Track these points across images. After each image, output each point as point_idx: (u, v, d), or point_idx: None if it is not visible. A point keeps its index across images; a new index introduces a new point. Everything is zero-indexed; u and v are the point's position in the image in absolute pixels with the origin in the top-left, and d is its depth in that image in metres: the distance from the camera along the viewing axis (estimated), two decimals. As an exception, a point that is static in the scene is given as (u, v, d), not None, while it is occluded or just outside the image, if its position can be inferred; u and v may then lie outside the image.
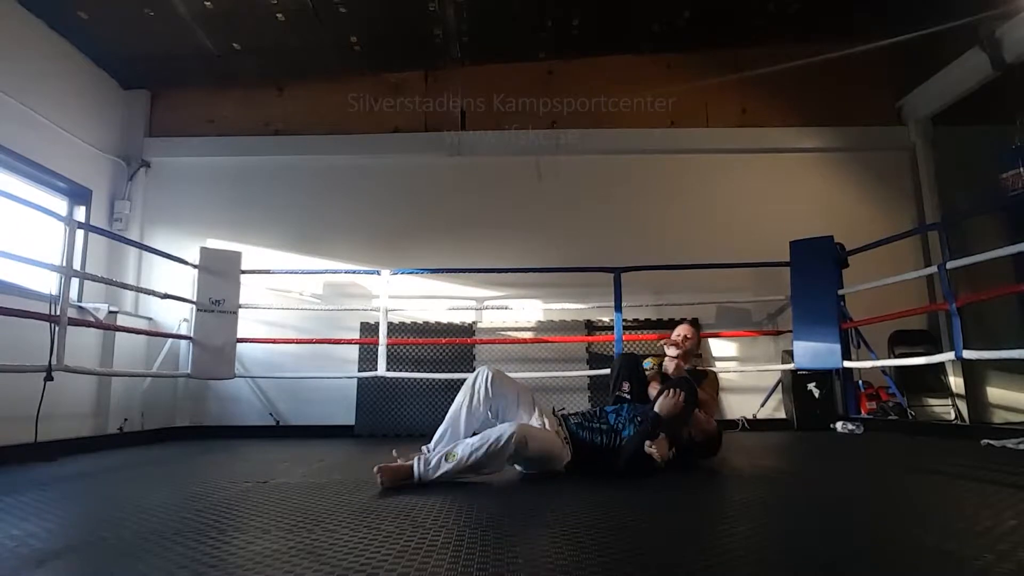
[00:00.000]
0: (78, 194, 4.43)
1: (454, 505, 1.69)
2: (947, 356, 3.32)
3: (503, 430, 2.04)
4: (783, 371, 4.39)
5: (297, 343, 4.50)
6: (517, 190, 4.98)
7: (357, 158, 5.02)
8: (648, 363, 2.97)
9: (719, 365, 4.68)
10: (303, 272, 4.66)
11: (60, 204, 4.34)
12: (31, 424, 2.88)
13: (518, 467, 2.30)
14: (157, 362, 4.24)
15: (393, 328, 4.45)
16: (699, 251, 4.58)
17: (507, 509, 1.72)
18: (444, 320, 4.69)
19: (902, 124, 5.06)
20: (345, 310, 4.63)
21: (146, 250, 4.36)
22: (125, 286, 4.26)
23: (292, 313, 4.68)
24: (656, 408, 2.27)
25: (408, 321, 4.67)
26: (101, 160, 4.65)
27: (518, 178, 4.98)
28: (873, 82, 5.07)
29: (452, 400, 2.33)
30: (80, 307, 4.02)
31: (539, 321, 4.70)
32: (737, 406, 4.55)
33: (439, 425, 2.29)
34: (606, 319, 4.58)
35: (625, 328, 4.30)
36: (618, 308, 4.20)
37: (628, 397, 2.55)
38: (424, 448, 2.21)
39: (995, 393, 4.52)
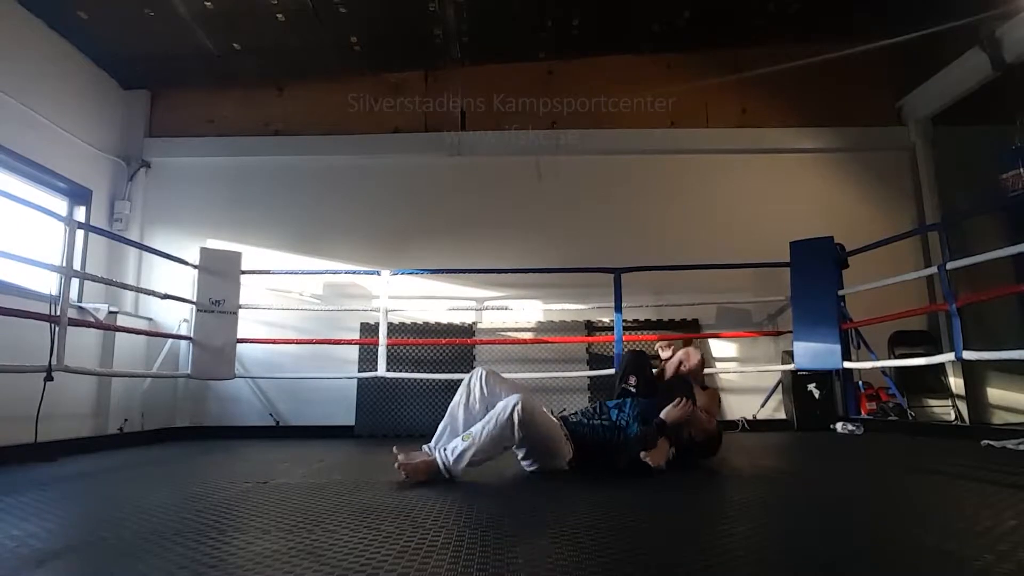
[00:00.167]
0: (78, 194, 4.43)
1: (454, 505, 1.69)
2: (947, 357, 3.32)
3: (508, 400, 2.11)
4: (783, 372, 4.39)
5: (297, 343, 4.50)
6: (517, 190, 4.98)
7: (357, 158, 5.02)
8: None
9: (719, 365, 4.68)
10: (303, 272, 4.66)
11: (60, 204, 4.33)
12: (31, 424, 2.88)
13: (524, 462, 2.31)
14: (157, 362, 4.24)
15: (393, 328, 4.45)
16: (699, 251, 4.58)
17: (507, 509, 1.72)
18: (444, 320, 4.69)
19: (902, 124, 5.06)
20: (345, 310, 4.63)
21: (146, 250, 4.36)
22: (125, 286, 4.26)
23: (292, 313, 4.68)
24: (663, 415, 2.27)
25: (408, 321, 4.67)
26: (101, 160, 4.65)
27: (518, 178, 4.98)
28: (873, 82, 5.07)
29: (452, 400, 2.37)
30: (80, 307, 4.02)
31: (539, 321, 4.70)
32: (737, 406, 4.55)
33: (439, 425, 2.33)
34: (606, 320, 4.58)
35: (625, 329, 4.30)
36: (618, 308, 4.20)
37: (634, 391, 2.54)
38: (424, 448, 2.22)
39: (995, 394, 4.51)
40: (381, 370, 4.16)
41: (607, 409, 2.41)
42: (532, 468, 2.31)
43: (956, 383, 4.46)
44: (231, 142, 5.00)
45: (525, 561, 1.14)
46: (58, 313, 2.88)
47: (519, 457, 2.33)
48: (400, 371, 4.32)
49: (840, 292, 4.08)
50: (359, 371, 4.49)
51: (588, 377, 4.43)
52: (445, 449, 2.12)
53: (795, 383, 4.32)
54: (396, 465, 2.08)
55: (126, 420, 4.01)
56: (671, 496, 1.88)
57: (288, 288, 4.76)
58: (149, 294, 4.04)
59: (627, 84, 4.99)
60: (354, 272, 4.60)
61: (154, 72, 4.88)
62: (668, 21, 4.66)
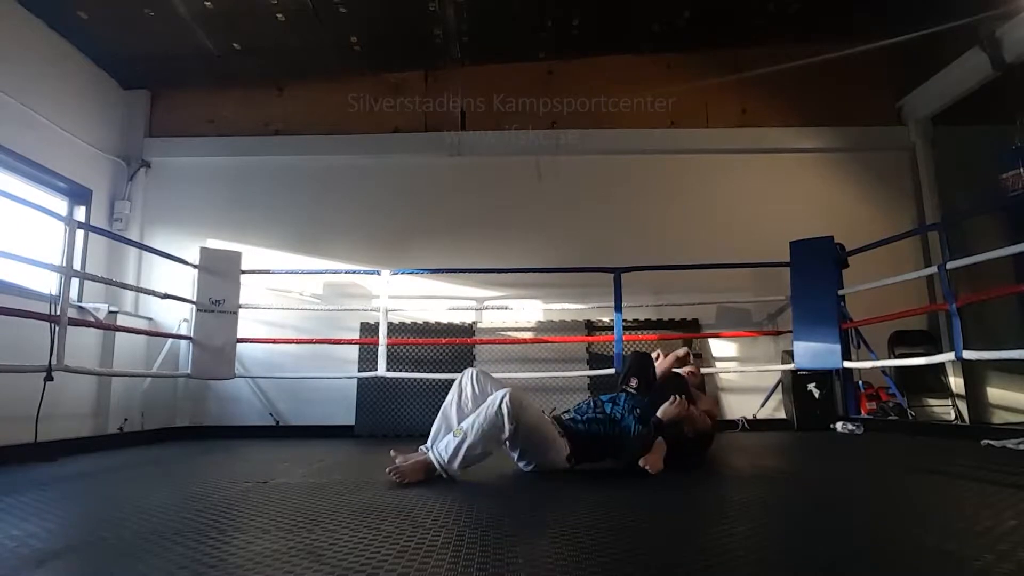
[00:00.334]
0: (78, 194, 4.43)
1: (454, 505, 1.69)
2: (947, 356, 3.32)
3: (496, 393, 2.12)
4: (783, 371, 4.39)
5: (297, 343, 4.51)
6: (517, 190, 4.98)
7: (357, 158, 5.02)
8: None
9: (719, 365, 4.68)
10: (303, 272, 4.66)
11: (60, 204, 4.33)
12: (31, 424, 2.88)
13: (521, 463, 2.31)
14: (157, 362, 4.24)
15: (393, 328, 4.45)
16: (699, 251, 4.58)
17: (507, 509, 1.72)
18: (444, 320, 4.69)
19: (902, 124, 5.06)
20: (345, 310, 4.63)
21: (146, 250, 4.36)
22: (125, 286, 4.26)
23: (292, 313, 4.68)
24: (660, 413, 2.27)
25: (408, 321, 4.67)
26: (101, 160, 4.65)
27: (518, 178, 4.98)
28: (873, 82, 5.07)
29: (444, 401, 2.39)
30: (80, 307, 4.02)
31: (539, 321, 4.70)
32: (737, 406, 4.55)
33: (433, 426, 2.34)
34: (606, 319, 4.58)
35: (625, 328, 4.30)
36: (618, 308, 4.20)
37: (634, 393, 2.55)
38: (421, 448, 2.23)
39: (995, 393, 4.51)
40: (381, 370, 4.16)
41: (601, 403, 2.42)
42: (529, 468, 2.30)
43: (956, 383, 4.46)
44: (231, 142, 5.00)
45: (525, 561, 1.14)
46: (58, 313, 2.88)
47: (515, 458, 2.32)
48: (400, 371, 4.32)
49: (840, 292, 4.08)
50: (359, 371, 4.50)
51: (588, 377, 4.43)
52: (438, 447, 2.13)
53: (795, 383, 4.32)
54: (388, 470, 2.07)
55: (126, 420, 4.01)
56: (671, 496, 1.89)
57: (288, 288, 4.77)
58: (149, 294, 4.04)
59: (627, 84, 4.99)
60: (354, 272, 4.60)
61: (154, 72, 4.88)
62: (668, 21, 4.66)
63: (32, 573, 1.12)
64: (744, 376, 4.62)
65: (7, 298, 3.05)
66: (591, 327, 4.66)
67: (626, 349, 4.26)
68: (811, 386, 4.30)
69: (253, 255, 4.60)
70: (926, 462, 2.60)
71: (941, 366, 4.41)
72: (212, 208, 4.94)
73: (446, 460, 2.07)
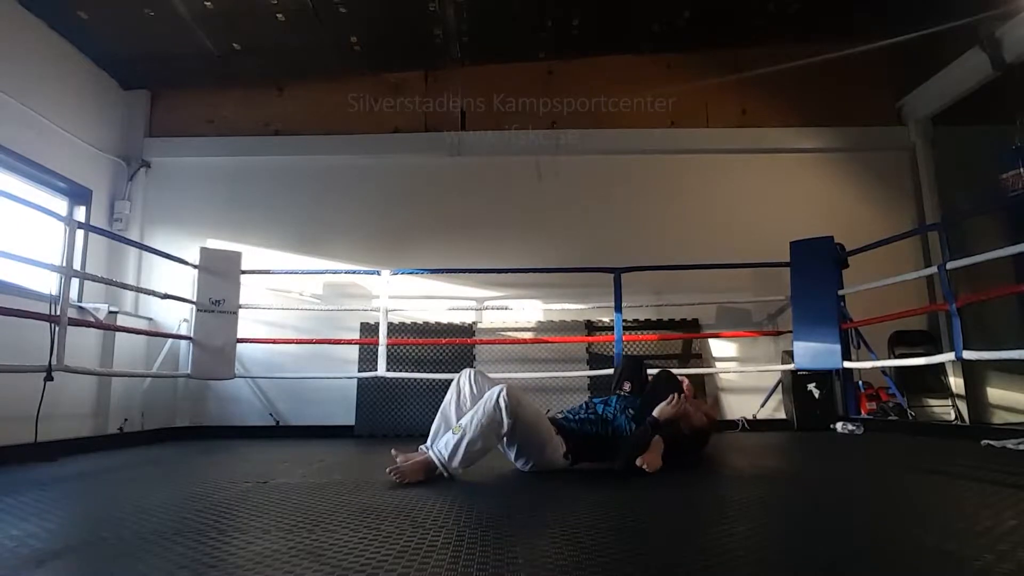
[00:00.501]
0: (78, 194, 4.43)
1: (454, 505, 1.69)
2: (947, 356, 3.32)
3: (493, 390, 2.13)
4: (783, 371, 4.39)
5: (297, 343, 4.50)
6: (517, 190, 4.98)
7: (357, 158, 5.02)
8: None
9: (719, 365, 4.68)
10: (303, 272, 4.66)
11: (60, 204, 4.34)
12: (31, 424, 2.88)
13: (519, 462, 2.31)
14: (157, 362, 4.24)
15: (393, 328, 4.45)
16: (699, 251, 4.58)
17: (507, 509, 1.72)
18: (444, 320, 4.69)
19: (902, 124, 5.06)
20: (345, 310, 4.63)
21: (146, 250, 4.36)
22: (125, 286, 4.26)
23: (292, 313, 4.68)
24: (656, 412, 2.28)
25: (408, 321, 4.67)
26: (101, 160, 4.65)
27: (518, 178, 4.98)
28: (873, 82, 5.07)
29: (443, 401, 2.39)
30: (80, 307, 4.02)
31: (539, 321, 4.70)
32: (737, 406, 4.55)
33: (432, 426, 2.35)
34: (606, 319, 4.58)
35: (625, 328, 4.30)
36: (618, 308, 4.20)
37: (628, 395, 2.56)
38: (421, 448, 2.23)
39: (995, 393, 4.51)
40: (381, 370, 4.16)
41: (593, 405, 2.44)
42: (528, 467, 2.30)
43: (956, 383, 4.46)
44: (231, 142, 5.00)
45: (525, 561, 1.14)
46: (58, 313, 2.88)
47: (512, 457, 2.32)
48: (400, 371, 4.32)
49: (840, 292, 4.08)
50: (359, 371, 4.50)
51: (588, 377, 4.43)
52: (437, 446, 2.13)
53: (795, 383, 4.32)
54: (388, 470, 2.07)
55: (126, 420, 4.01)
56: (671, 496, 1.89)
57: (288, 288, 4.77)
58: (149, 294, 4.04)
59: (627, 84, 4.99)
60: (354, 272, 4.60)
61: (154, 72, 4.88)
62: (668, 21, 4.66)
63: (32, 573, 1.12)
64: (744, 376, 4.62)
65: (7, 298, 3.05)
66: (591, 327, 4.66)
67: (626, 349, 4.26)
68: (811, 386, 4.30)
69: (253, 255, 4.60)
70: (926, 462, 2.60)
71: (941, 366, 4.41)
72: (212, 208, 4.94)
73: (446, 458, 2.08)
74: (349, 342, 4.54)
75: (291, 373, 4.52)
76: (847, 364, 3.96)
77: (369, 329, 4.59)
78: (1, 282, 3.45)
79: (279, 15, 4.14)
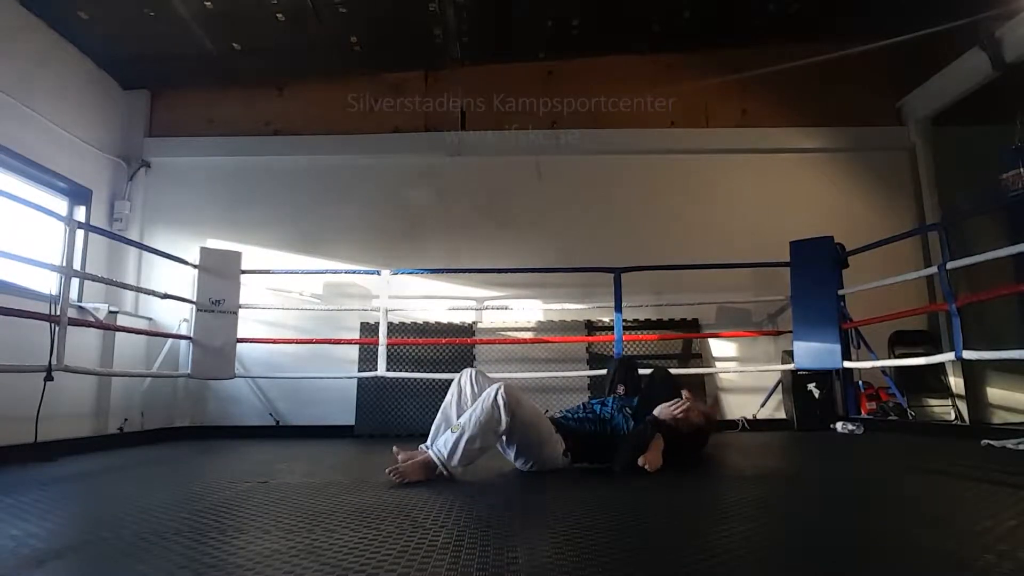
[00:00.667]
0: (78, 194, 4.43)
1: (454, 505, 1.69)
2: (947, 356, 3.32)
3: (491, 388, 2.14)
4: (783, 371, 4.39)
5: (297, 343, 4.50)
6: (517, 190, 4.98)
7: (357, 158, 5.02)
8: None
9: (719, 365, 4.68)
10: (303, 272, 4.66)
11: (60, 204, 4.34)
12: (31, 424, 2.88)
13: (518, 462, 2.31)
14: (157, 362, 4.24)
15: (393, 328, 4.45)
16: (699, 251, 4.58)
17: (507, 509, 1.72)
18: (444, 320, 4.69)
19: (902, 124, 5.06)
20: (345, 310, 4.63)
21: (146, 250, 4.36)
22: (125, 286, 4.26)
23: (292, 313, 4.68)
24: (656, 412, 2.28)
25: (408, 321, 4.67)
26: (101, 160, 4.65)
27: (518, 178, 4.98)
28: (873, 82, 5.07)
29: (444, 400, 2.40)
30: (80, 307, 4.02)
31: (539, 321, 4.70)
32: (737, 406, 4.55)
33: (433, 425, 2.35)
34: (606, 319, 4.58)
35: (625, 328, 4.30)
36: (618, 308, 4.20)
37: (623, 396, 2.58)
38: (422, 447, 2.23)
39: (995, 393, 4.51)
40: (381, 370, 4.16)
41: (590, 405, 2.46)
42: (528, 466, 2.30)
43: (956, 383, 4.46)
44: (231, 142, 5.00)
45: (525, 561, 1.14)
46: (58, 313, 2.88)
47: (512, 457, 2.33)
48: (400, 371, 4.32)
49: (840, 292, 4.08)
50: (359, 371, 4.50)
51: (588, 377, 4.43)
52: (437, 445, 2.13)
53: (795, 383, 4.32)
54: (387, 470, 2.08)
55: (126, 420, 4.01)
56: (671, 496, 1.89)
57: (288, 288, 4.77)
58: (149, 294, 4.04)
59: (627, 84, 4.99)
60: (354, 272, 4.60)
61: (154, 72, 4.88)
62: (668, 21, 4.66)
63: (32, 573, 1.12)
64: (744, 376, 4.62)
65: (7, 298, 3.05)
66: (591, 327, 4.66)
67: (626, 349, 4.26)
68: (811, 386, 4.30)
69: (253, 255, 4.60)
70: (926, 462, 2.60)
71: (941, 366, 4.41)
72: (212, 208, 4.93)
73: (445, 456, 2.08)
74: (349, 342, 4.54)
75: (291, 373, 4.52)
76: (847, 364, 3.96)
77: (369, 329, 4.59)
78: (1, 282, 3.45)
79: (279, 15, 4.14)
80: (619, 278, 4.23)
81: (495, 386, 2.14)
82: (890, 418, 4.06)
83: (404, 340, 4.49)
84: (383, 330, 4.22)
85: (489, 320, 4.72)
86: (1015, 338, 4.16)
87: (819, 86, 4.98)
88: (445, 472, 2.08)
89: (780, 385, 4.51)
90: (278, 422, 4.54)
